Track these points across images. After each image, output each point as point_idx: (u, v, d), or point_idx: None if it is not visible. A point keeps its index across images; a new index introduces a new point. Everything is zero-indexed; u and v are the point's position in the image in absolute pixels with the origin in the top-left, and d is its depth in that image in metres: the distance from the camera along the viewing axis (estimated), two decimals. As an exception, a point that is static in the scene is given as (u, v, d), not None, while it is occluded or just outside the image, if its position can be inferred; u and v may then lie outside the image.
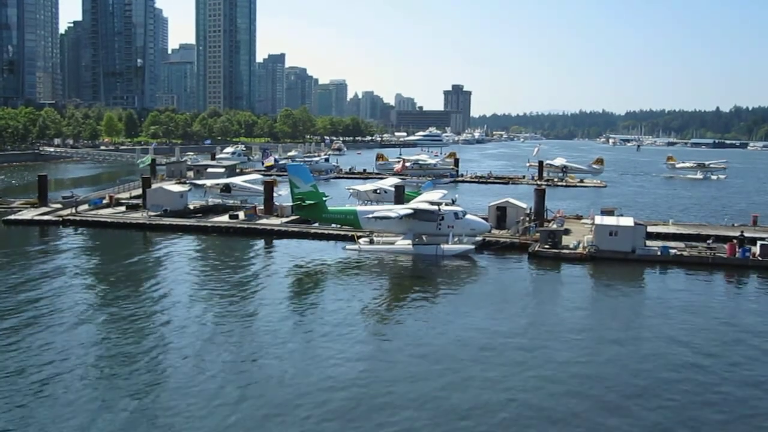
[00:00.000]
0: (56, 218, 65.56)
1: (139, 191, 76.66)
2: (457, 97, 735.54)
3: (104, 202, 75.03)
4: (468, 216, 54.71)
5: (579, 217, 68.93)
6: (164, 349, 31.16)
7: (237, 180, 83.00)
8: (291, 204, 61.24)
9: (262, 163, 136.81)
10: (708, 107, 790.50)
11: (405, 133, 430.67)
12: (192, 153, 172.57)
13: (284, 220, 65.54)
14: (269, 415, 24.63)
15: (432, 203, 55.64)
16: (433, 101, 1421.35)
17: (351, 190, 77.87)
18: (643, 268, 50.10)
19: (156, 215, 67.50)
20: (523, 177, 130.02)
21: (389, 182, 77.40)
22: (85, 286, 42.97)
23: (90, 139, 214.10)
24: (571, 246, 54.07)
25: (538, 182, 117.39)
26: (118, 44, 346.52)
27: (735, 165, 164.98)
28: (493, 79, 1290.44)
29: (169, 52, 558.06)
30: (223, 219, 66.39)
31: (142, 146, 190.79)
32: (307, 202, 57.63)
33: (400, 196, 66.29)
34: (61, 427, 23.43)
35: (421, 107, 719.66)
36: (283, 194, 72.25)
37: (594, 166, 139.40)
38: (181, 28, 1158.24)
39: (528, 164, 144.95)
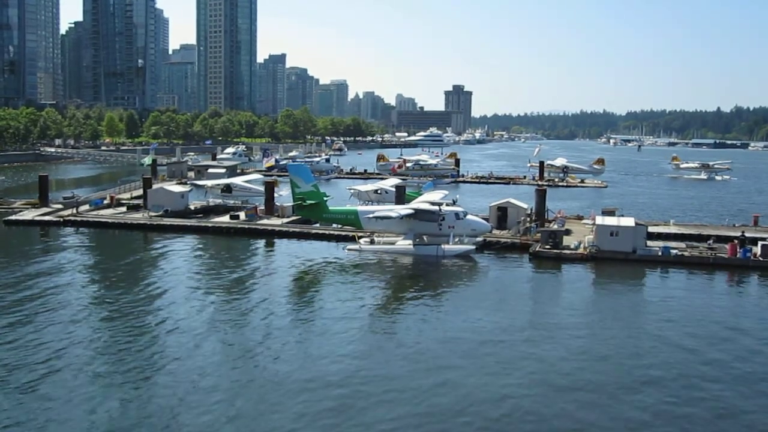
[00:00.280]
0: (57, 218, 65.58)
1: (140, 192, 76.66)
2: (458, 97, 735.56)
3: (105, 202, 75.02)
4: (469, 216, 54.71)
5: (580, 218, 68.88)
6: (164, 348, 31.19)
7: (238, 180, 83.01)
8: (292, 204, 61.30)
9: (263, 164, 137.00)
10: (709, 107, 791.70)
11: (406, 134, 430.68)
12: (193, 153, 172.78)
13: (285, 220, 65.55)
14: (266, 412, 24.76)
15: (433, 203, 55.63)
16: (433, 101, 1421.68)
17: (352, 191, 77.90)
18: (644, 269, 50.06)
19: (157, 215, 67.53)
20: (524, 177, 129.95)
21: (390, 182, 77.42)
22: (85, 287, 42.99)
23: (91, 140, 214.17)
24: (572, 246, 54.05)
25: (539, 182, 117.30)
26: (119, 45, 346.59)
27: (737, 165, 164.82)
28: (493, 80, 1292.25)
29: (170, 52, 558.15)
30: (224, 219, 66.41)
31: (143, 147, 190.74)
32: (308, 202, 57.63)
33: (400, 196, 66.28)
34: (61, 426, 23.47)
35: (421, 107, 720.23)
36: (283, 194, 72.29)
37: (595, 166, 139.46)
38: (181, 28, 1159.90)
39: (529, 164, 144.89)
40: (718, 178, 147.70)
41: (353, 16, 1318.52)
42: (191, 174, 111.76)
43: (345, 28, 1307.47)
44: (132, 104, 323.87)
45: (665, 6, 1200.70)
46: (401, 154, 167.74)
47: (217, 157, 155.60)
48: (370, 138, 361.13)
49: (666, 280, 48.27)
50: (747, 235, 55.14)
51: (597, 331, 35.53)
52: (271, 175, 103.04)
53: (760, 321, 38.18)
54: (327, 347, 31.65)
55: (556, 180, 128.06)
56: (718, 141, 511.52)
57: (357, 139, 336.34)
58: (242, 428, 23.69)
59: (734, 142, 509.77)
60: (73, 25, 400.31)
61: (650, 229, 57.28)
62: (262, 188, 74.01)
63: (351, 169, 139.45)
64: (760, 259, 50.34)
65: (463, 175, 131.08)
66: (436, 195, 61.91)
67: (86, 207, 71.81)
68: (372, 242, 55.03)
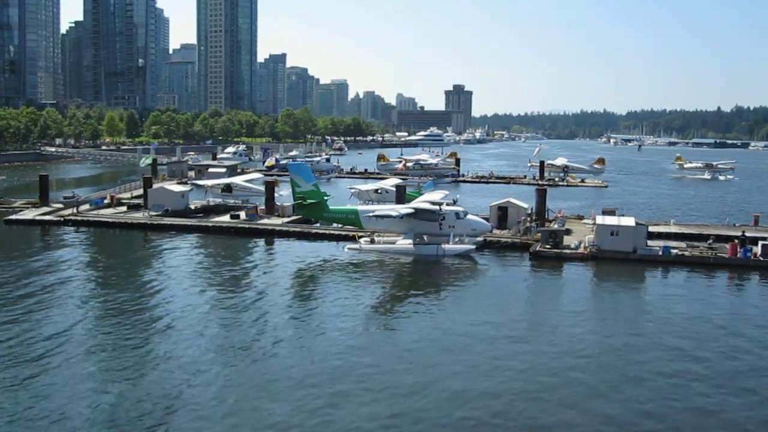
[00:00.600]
0: (57, 218, 65.60)
1: (141, 191, 76.71)
2: (459, 97, 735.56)
3: (105, 201, 75.05)
4: (469, 216, 54.72)
5: (580, 217, 68.90)
6: (163, 346, 31.25)
7: (238, 180, 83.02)
8: (292, 203, 61.32)
9: (263, 163, 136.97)
10: (709, 107, 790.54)
11: (406, 133, 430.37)
12: (193, 153, 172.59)
13: (285, 220, 65.58)
14: (261, 407, 24.97)
15: (433, 203, 55.64)
16: (434, 101, 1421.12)
17: (352, 190, 77.92)
18: (645, 268, 50.08)
19: (157, 215, 67.55)
20: (525, 177, 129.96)
21: (390, 182, 77.42)
22: (85, 285, 43.03)
23: (91, 139, 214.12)
24: (573, 246, 54.05)
25: (540, 182, 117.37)
26: (120, 44, 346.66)
27: (738, 165, 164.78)
28: (494, 79, 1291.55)
29: (171, 52, 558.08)
30: (225, 219, 66.43)
31: (144, 146, 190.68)
32: (309, 201, 57.65)
33: (401, 196, 66.28)
34: (60, 421, 23.52)
35: (422, 107, 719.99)
36: (284, 194, 72.31)
37: (595, 165, 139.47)
38: (182, 28, 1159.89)
39: (529, 164, 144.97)
40: (722, 178, 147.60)
41: (354, 15, 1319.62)
42: (191, 173, 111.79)
43: (345, 27, 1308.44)
44: (132, 104, 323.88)
45: (665, 6, 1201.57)
46: (401, 154, 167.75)
47: (218, 156, 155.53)
48: (371, 138, 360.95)
49: (666, 280, 48.29)
50: (747, 234, 55.15)
51: (597, 331, 35.55)
52: (272, 175, 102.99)
53: (760, 321, 38.16)
54: (326, 345, 31.79)
55: (557, 180, 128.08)
56: (718, 141, 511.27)
57: (357, 138, 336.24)
58: (239, 424, 23.77)
59: (735, 141, 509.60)
60: (73, 25, 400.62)
61: (651, 228, 57.29)
62: (262, 188, 74.02)
63: (351, 169, 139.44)
64: (761, 258, 50.35)
65: (463, 175, 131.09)
66: (437, 195, 61.91)
67: (86, 206, 71.83)
68: (372, 242, 55.03)
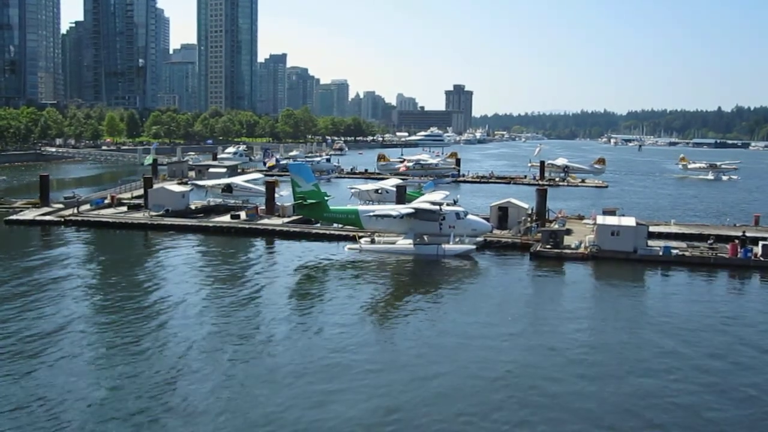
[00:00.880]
0: (58, 218, 65.61)
1: (141, 191, 76.72)
2: (459, 97, 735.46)
3: (106, 202, 75.05)
4: (469, 216, 54.71)
5: (581, 217, 68.89)
6: (163, 347, 31.22)
7: (238, 180, 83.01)
8: (292, 203, 61.32)
9: (264, 163, 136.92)
10: (710, 107, 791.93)
11: (407, 133, 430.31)
12: (193, 153, 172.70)
13: (286, 220, 65.59)
14: (258, 403, 25.10)
15: (433, 203, 55.63)
16: (434, 101, 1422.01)
17: (353, 190, 77.91)
18: (645, 268, 50.07)
19: (158, 215, 67.55)
20: (525, 177, 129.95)
21: (391, 182, 77.43)
22: (86, 286, 42.97)
23: (92, 140, 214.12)
24: (573, 246, 54.04)
25: (540, 182, 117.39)
26: (120, 44, 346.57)
27: (739, 165, 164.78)
28: (494, 80, 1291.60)
29: (171, 52, 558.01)
30: (225, 219, 66.44)
31: (144, 146, 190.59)
32: (309, 201, 57.64)
33: (401, 196, 66.29)
34: (58, 418, 23.54)
35: (422, 107, 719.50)
36: (284, 194, 72.31)
37: (596, 166, 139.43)
38: (182, 28, 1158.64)
39: (529, 164, 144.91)
40: (725, 178, 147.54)
41: (354, 15, 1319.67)
42: (192, 174, 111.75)
43: (346, 27, 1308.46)
44: (133, 104, 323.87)
45: (665, 6, 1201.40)
46: (402, 154, 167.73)
47: (218, 156, 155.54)
48: (371, 138, 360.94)
49: (667, 280, 48.28)
50: (748, 234, 55.14)
51: (597, 331, 35.55)
52: (272, 175, 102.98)
53: (760, 321, 38.14)
54: (324, 344, 31.89)
55: (557, 180, 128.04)
56: (719, 141, 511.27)
57: (358, 138, 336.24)
58: (235, 419, 23.90)
59: (735, 141, 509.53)
60: (73, 25, 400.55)
61: (651, 228, 57.25)
62: (262, 188, 74.03)
63: (351, 169, 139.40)
64: (761, 258, 50.33)
65: (463, 175, 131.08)
66: (437, 195, 61.90)
67: (87, 207, 71.85)
68: (372, 242, 55.02)
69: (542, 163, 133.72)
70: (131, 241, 60.48)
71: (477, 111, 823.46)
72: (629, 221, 53.85)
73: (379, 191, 74.50)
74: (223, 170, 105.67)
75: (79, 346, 31.03)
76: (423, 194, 66.27)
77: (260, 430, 23.54)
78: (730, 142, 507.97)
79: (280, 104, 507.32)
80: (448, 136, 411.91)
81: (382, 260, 51.49)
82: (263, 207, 69.79)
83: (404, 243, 53.42)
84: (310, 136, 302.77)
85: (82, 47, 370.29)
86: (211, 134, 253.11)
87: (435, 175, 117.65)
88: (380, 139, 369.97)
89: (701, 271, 49.53)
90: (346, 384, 27.20)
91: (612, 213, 60.73)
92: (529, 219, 61.19)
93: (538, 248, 53.44)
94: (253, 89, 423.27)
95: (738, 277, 48.61)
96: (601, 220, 54.98)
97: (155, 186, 75.44)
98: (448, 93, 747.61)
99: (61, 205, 71.30)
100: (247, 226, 63.13)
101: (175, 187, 77.18)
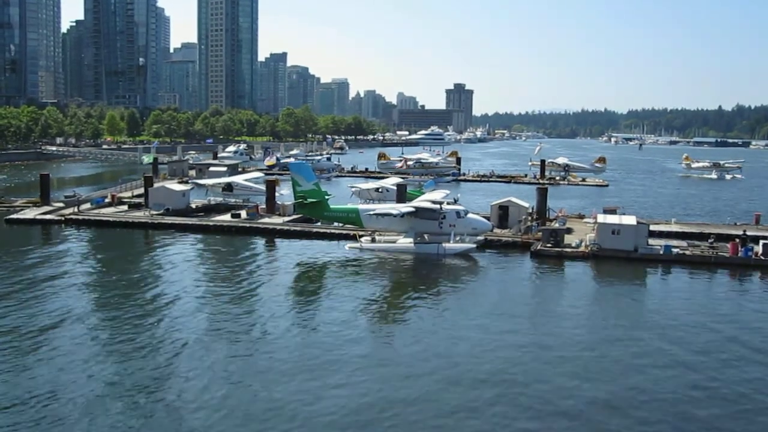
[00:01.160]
0: (58, 217, 65.61)
1: (142, 190, 76.71)
2: (459, 95, 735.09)
3: (106, 201, 75.01)
4: (470, 215, 54.69)
5: (581, 216, 68.86)
6: (163, 346, 31.20)
7: (239, 179, 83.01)
8: (293, 202, 61.31)
9: (264, 162, 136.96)
10: (710, 106, 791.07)
11: (407, 132, 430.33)
12: (194, 152, 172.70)
13: (286, 219, 65.58)
14: (260, 407, 25.09)
15: (434, 202, 55.61)
16: (435, 100, 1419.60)
17: (353, 189, 77.88)
18: (646, 267, 50.02)
19: (158, 214, 67.54)
20: (525, 176, 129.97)
21: (391, 181, 77.38)
22: (86, 285, 42.97)
23: (92, 138, 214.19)
24: (574, 245, 54.01)
25: (541, 181, 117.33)
26: (120, 43, 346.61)
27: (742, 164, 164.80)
28: (494, 78, 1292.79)
29: (171, 51, 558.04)
30: (225, 218, 66.43)
31: (144, 145, 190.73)
32: (309, 200, 57.63)
33: (402, 195, 66.25)
34: (62, 422, 23.57)
35: (423, 106, 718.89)
36: (285, 193, 72.29)
37: (596, 164, 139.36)
38: (183, 26, 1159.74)
39: (530, 163, 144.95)
40: (728, 177, 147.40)
41: (354, 14, 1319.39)
42: (192, 172, 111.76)
43: (346, 26, 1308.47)
44: (133, 103, 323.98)
45: (665, 6, 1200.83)
46: (402, 153, 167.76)
47: (218, 155, 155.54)
48: (372, 136, 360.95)
49: (667, 279, 48.26)
50: (748, 233, 55.10)
51: (598, 330, 35.53)
52: (273, 174, 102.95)
53: (761, 320, 38.12)
54: (322, 341, 32.02)
55: (558, 178, 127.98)
56: (719, 140, 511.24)
57: (358, 137, 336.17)
58: (232, 413, 23.91)
59: (736, 140, 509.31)
60: (74, 24, 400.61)
61: (652, 227, 57.24)
62: (263, 187, 73.98)
63: (352, 168, 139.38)
64: (762, 257, 50.29)
65: (464, 174, 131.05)
66: (438, 194, 61.87)
67: (87, 205, 71.83)
68: (373, 241, 55.02)
69: (543, 161, 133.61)
70: (132, 239, 60.48)
71: (477, 110, 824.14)
72: (630, 220, 53.81)
73: (380, 190, 74.45)
74: (224, 169, 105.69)
75: (77, 343, 31.12)
76: (423, 193, 66.25)
77: (258, 425, 23.67)
78: (730, 140, 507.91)
79: (281, 103, 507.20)
80: (449, 135, 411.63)
81: (383, 259, 51.48)
82: (264, 206, 69.77)
83: (405, 242, 53.42)
84: (310, 135, 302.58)
85: (83, 46, 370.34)
86: (212, 133, 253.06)
87: (435, 174, 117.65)
88: (381, 138, 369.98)
89: (702, 270, 49.50)
90: (343, 380, 27.37)
91: (612, 212, 60.71)
92: (529, 218, 61.14)
93: (538, 247, 53.41)
94: (253, 88, 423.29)
95: (738, 276, 48.58)
96: (601, 218, 54.93)
97: (156, 185, 75.40)
98: (448, 92, 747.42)
99: (61, 204, 71.27)
100: (247, 225, 63.13)
101: (175, 186, 77.18)
